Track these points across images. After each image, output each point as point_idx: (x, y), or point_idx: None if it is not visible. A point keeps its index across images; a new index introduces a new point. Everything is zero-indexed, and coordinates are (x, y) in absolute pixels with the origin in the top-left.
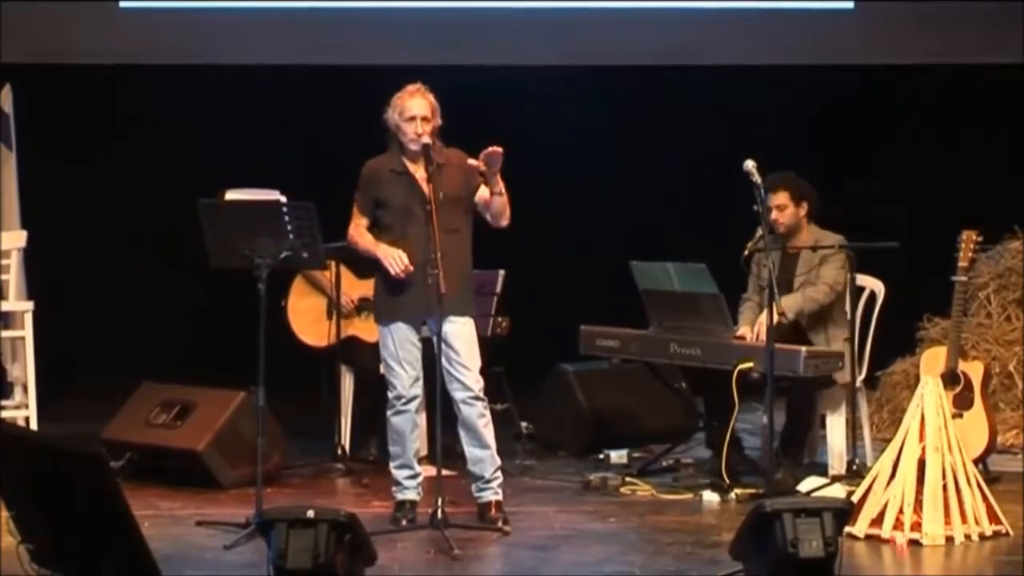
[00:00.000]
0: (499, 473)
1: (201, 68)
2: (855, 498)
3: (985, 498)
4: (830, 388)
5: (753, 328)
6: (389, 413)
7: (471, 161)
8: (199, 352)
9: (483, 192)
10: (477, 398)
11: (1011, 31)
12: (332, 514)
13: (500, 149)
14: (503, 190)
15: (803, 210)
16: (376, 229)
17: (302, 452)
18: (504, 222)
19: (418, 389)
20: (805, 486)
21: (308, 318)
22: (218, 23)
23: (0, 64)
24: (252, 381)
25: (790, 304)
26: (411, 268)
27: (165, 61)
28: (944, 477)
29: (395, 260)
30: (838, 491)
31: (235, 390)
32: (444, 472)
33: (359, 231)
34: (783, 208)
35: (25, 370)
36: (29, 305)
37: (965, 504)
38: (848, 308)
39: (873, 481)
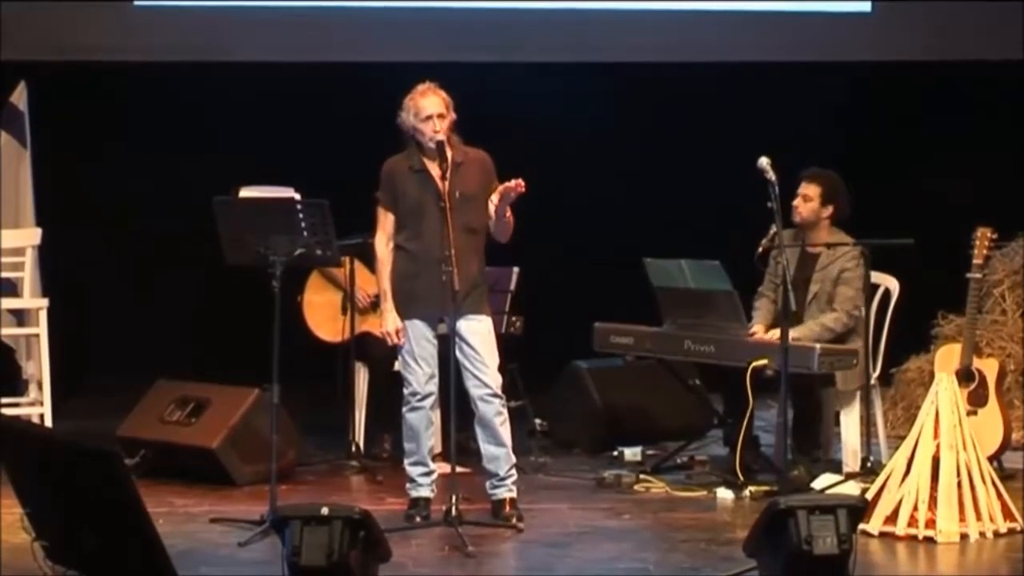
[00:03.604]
0: (514, 471)
1: (215, 65)
2: (869, 495)
3: (999, 495)
4: (831, 386)
5: (766, 331)
6: (404, 410)
7: (495, 195)
8: (213, 349)
9: (491, 206)
10: (495, 395)
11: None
12: (346, 511)
13: (522, 188)
14: (511, 217)
15: (827, 211)
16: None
17: (316, 449)
18: (503, 240)
19: (433, 386)
20: (819, 483)
21: (324, 314)
22: (231, 21)
23: (15, 62)
24: (266, 378)
25: (805, 335)
26: (400, 341)
27: (179, 58)
28: (958, 474)
29: (389, 333)
30: (852, 488)
31: (249, 387)
32: (458, 469)
33: (384, 261)
34: (808, 200)
35: (40, 367)
36: (44, 302)
37: (979, 501)
38: (862, 308)
39: (887, 478)
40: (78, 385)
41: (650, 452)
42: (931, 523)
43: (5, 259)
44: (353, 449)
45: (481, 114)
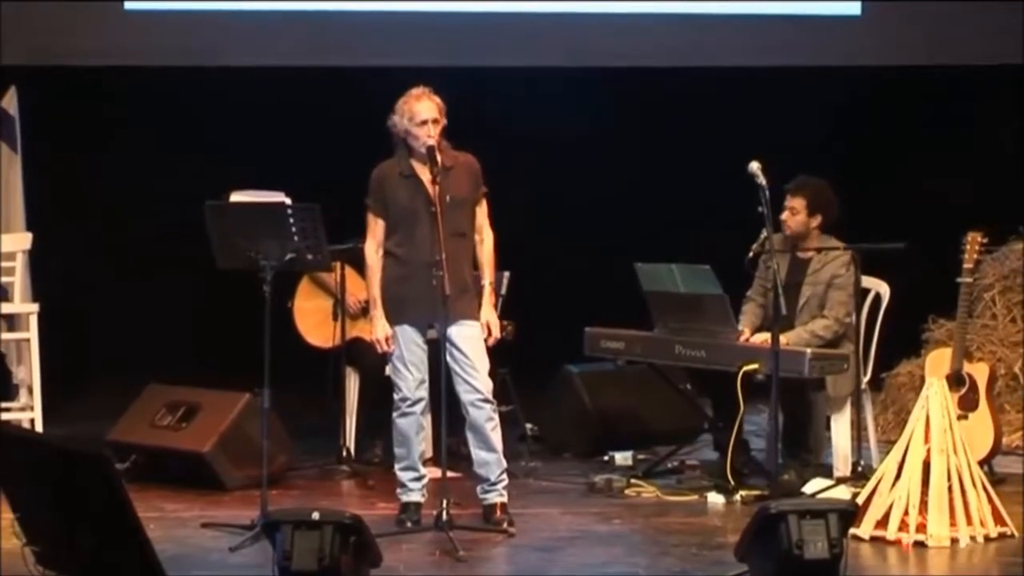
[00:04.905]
0: (505, 475)
1: (205, 69)
2: (860, 500)
3: (990, 500)
4: (822, 391)
5: (753, 334)
6: (394, 415)
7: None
8: (205, 354)
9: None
10: (486, 400)
11: (1014, 33)
12: (337, 516)
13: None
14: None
15: (815, 221)
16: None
17: (307, 454)
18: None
19: (424, 391)
20: (810, 488)
21: (314, 319)
22: (222, 25)
23: (5, 66)
24: (257, 383)
25: (795, 341)
26: (389, 348)
27: (170, 63)
28: (949, 479)
29: (378, 341)
30: (843, 493)
31: (240, 392)
32: (449, 474)
33: (374, 268)
34: (795, 213)
35: (30, 372)
36: (34, 307)
37: (970, 506)
38: (853, 314)
39: (878, 483)
40: (69, 389)
41: (641, 456)
42: (922, 527)
43: None
44: (344, 454)
45: (478, 119)
